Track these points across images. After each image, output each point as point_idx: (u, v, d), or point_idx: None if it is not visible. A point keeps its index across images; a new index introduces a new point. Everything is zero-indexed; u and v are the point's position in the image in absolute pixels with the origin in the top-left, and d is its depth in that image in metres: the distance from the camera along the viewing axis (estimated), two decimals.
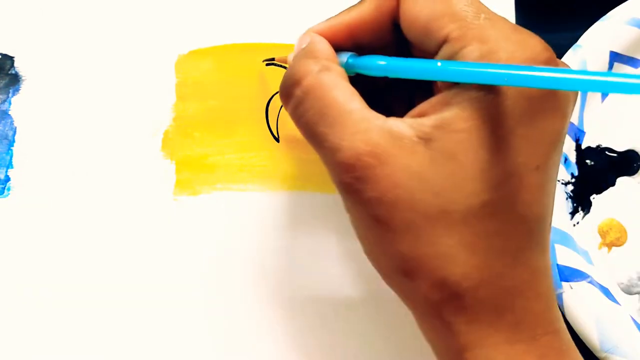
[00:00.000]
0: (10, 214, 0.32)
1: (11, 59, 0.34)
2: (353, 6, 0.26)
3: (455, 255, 0.22)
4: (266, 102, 0.33)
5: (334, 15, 0.26)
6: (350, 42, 0.26)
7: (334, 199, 0.32)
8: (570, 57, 0.33)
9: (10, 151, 0.32)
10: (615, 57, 0.34)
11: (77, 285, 0.31)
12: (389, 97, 0.28)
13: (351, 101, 0.23)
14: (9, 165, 0.32)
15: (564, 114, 0.23)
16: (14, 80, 0.33)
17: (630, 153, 0.35)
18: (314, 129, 0.23)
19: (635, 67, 0.35)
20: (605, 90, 0.19)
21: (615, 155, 0.35)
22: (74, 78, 0.33)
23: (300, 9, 0.34)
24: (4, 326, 0.30)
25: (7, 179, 0.32)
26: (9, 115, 0.33)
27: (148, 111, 0.33)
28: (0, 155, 0.32)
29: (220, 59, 0.34)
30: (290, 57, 0.27)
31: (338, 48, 0.26)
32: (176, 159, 0.33)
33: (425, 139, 0.22)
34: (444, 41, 0.23)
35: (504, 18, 0.23)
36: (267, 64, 0.33)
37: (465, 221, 0.21)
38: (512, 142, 0.22)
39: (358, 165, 0.22)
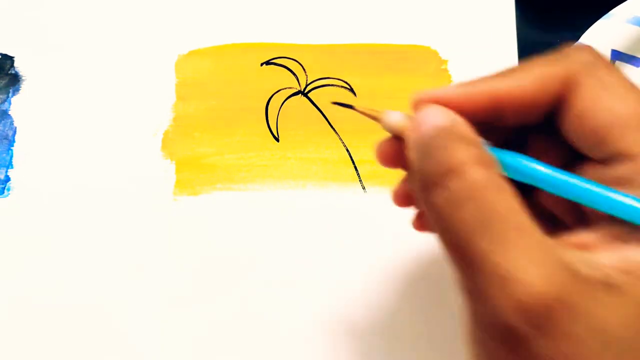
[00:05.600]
0: (10, 214, 0.32)
1: (11, 59, 0.34)
2: (504, 72, 0.21)
3: None
4: (266, 102, 0.33)
5: (470, 80, 0.21)
6: (488, 115, 0.21)
7: (334, 199, 0.32)
8: None
9: (10, 151, 0.32)
10: (617, 56, 0.34)
11: (77, 285, 0.31)
12: None
13: (522, 215, 0.17)
14: (9, 165, 0.32)
15: None
16: (14, 80, 0.33)
17: None
18: (469, 239, 0.17)
19: (637, 65, 0.34)
20: None
21: None
22: (73, 78, 0.33)
23: (299, 9, 0.34)
24: (4, 326, 0.30)
25: (7, 179, 0.32)
26: (9, 115, 0.33)
27: (148, 111, 0.33)
28: (0, 155, 0.32)
29: (220, 59, 0.34)
30: (390, 117, 0.21)
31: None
32: (176, 159, 0.33)
33: (609, 285, 0.17)
34: (625, 156, 0.19)
35: None
36: (339, 105, 0.25)
37: None
38: None
39: (542, 311, 0.16)
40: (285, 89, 0.33)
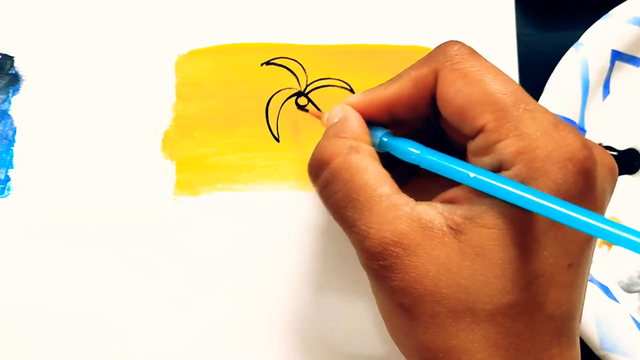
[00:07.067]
0: (10, 214, 0.32)
1: (11, 59, 0.33)
2: (390, 80, 0.25)
3: (478, 352, 0.21)
4: (266, 102, 0.33)
5: (371, 88, 0.26)
6: (387, 115, 0.25)
7: None
8: (572, 56, 0.33)
9: (10, 151, 0.32)
10: (617, 56, 0.34)
11: (77, 285, 0.31)
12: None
13: (380, 186, 0.23)
14: (9, 165, 0.32)
15: (601, 211, 0.22)
16: (14, 80, 0.33)
17: (630, 151, 0.35)
18: (342, 212, 0.23)
19: (637, 65, 0.35)
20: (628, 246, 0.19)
21: (615, 153, 0.35)
22: (74, 78, 0.33)
23: (299, 9, 0.34)
24: (4, 326, 0.31)
25: (7, 179, 0.32)
26: (9, 115, 0.33)
27: (148, 111, 0.33)
28: (0, 155, 0.32)
29: (220, 59, 0.34)
30: (325, 117, 0.27)
31: (374, 121, 0.25)
32: (176, 159, 0.33)
33: (456, 230, 0.21)
34: (480, 130, 0.22)
35: (545, 109, 0.22)
36: (298, 106, 0.33)
37: (491, 319, 0.21)
38: (542, 241, 0.21)
39: (385, 254, 0.22)
40: (285, 89, 0.33)
